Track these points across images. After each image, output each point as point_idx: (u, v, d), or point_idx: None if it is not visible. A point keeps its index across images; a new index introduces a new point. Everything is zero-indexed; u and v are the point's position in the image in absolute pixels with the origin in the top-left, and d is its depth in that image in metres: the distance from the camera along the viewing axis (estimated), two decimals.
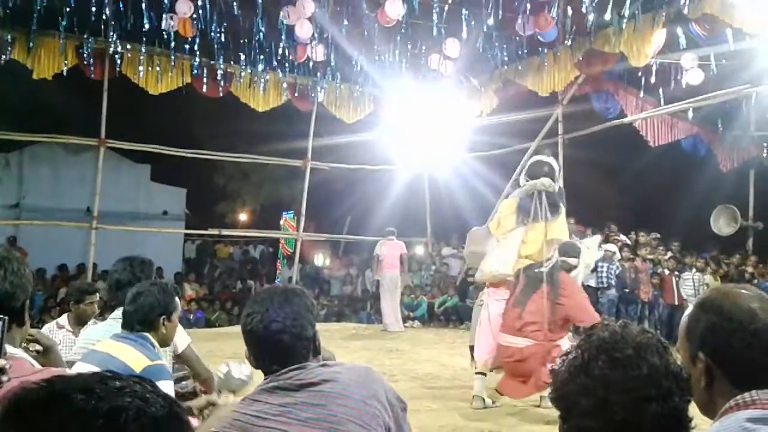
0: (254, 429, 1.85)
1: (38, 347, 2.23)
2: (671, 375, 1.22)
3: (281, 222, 19.20)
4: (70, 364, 3.04)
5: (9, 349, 1.72)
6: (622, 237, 12.74)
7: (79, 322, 4.84)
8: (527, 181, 6.43)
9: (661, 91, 10.91)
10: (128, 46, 11.04)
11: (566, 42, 10.28)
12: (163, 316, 3.03)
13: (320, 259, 14.82)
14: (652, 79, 10.36)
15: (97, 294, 5.05)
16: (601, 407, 1.19)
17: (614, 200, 15.05)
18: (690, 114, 11.52)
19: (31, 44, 10.35)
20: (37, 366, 1.83)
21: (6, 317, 1.61)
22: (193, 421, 2.93)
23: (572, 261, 6.22)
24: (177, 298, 3.19)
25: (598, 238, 10.66)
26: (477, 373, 6.39)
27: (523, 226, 6.32)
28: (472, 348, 6.91)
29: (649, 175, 13.69)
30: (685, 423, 1.22)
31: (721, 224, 12.95)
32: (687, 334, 1.56)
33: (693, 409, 1.30)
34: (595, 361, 1.23)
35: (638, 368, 1.20)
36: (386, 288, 11.95)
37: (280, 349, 1.95)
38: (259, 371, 2.03)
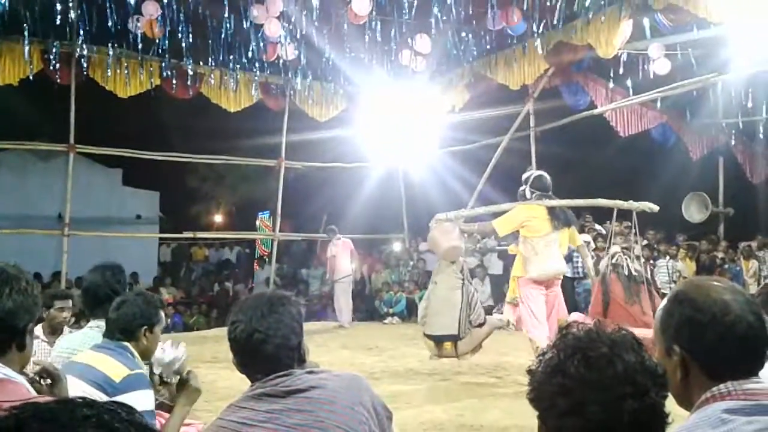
0: None
1: (48, 380, 2.18)
2: (647, 371, 1.23)
3: (257, 222, 19.10)
4: None
5: (5, 371, 1.69)
6: (597, 227, 12.87)
7: (53, 330, 4.77)
8: (533, 193, 7.28)
9: (629, 81, 11.03)
10: (95, 49, 10.88)
11: (535, 35, 10.35)
12: (145, 327, 3.02)
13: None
14: (620, 70, 10.47)
15: (70, 300, 4.96)
16: (579, 406, 1.20)
17: (587, 191, 15.15)
18: (658, 103, 11.67)
19: None
20: (33, 393, 1.79)
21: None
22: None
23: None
24: (162, 312, 3.18)
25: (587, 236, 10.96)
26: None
27: (557, 231, 7.17)
28: (429, 336, 7.10)
29: (620, 165, 13.82)
30: (662, 418, 1.24)
31: (693, 211, 13.15)
32: (661, 327, 1.59)
33: (670, 404, 1.31)
34: (571, 360, 1.24)
35: (613, 366, 1.22)
36: (344, 287, 12.07)
37: (263, 358, 1.95)
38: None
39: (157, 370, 3.14)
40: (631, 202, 7.47)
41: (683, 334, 1.53)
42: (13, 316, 1.73)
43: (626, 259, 7.11)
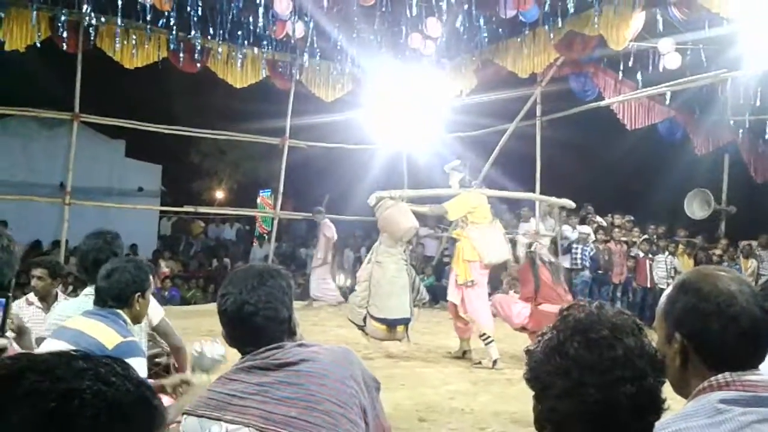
0: (230, 407, 1.83)
1: (14, 333, 2.19)
2: (646, 356, 1.22)
3: (258, 200, 19.08)
4: (40, 340, 3.01)
5: None
6: (599, 219, 12.87)
7: (40, 297, 4.79)
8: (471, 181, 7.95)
9: (639, 74, 10.96)
10: (103, 19, 10.80)
11: (546, 24, 10.26)
12: (138, 293, 3.00)
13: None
14: (630, 63, 10.40)
15: (40, 269, 4.92)
16: (576, 388, 1.19)
17: (591, 182, 15.14)
18: (667, 98, 11.60)
19: (2, 15, 10.09)
20: (18, 348, 1.80)
21: (10, 294, 1.57)
22: (166, 400, 2.92)
23: None
24: (151, 276, 3.17)
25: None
26: (489, 340, 7.23)
27: (495, 219, 7.75)
28: (382, 320, 7.33)
29: (625, 158, 13.79)
30: (659, 404, 1.23)
31: (695, 207, 13.14)
32: (664, 314, 1.57)
33: (666, 391, 1.30)
34: (571, 342, 1.22)
35: (613, 349, 1.20)
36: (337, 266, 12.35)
37: (253, 331, 1.94)
38: (234, 350, 2.02)
39: (192, 364, 3.13)
40: (553, 198, 8.65)
41: (686, 322, 1.52)
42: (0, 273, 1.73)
43: (543, 247, 8.05)
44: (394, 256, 7.48)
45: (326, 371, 1.88)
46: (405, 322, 7.44)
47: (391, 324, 7.38)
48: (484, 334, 7.29)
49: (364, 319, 7.42)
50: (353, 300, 7.73)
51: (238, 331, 1.97)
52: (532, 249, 7.59)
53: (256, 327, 1.93)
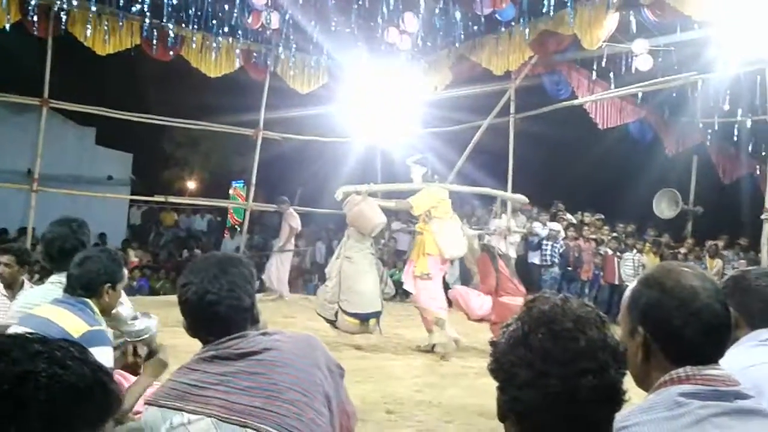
0: (191, 397, 1.81)
1: None
2: (608, 348, 1.24)
3: (230, 191, 18.94)
4: (4, 328, 2.97)
5: None
6: (569, 216, 13.01)
7: (6, 284, 4.71)
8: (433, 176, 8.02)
9: (611, 75, 11.08)
10: (74, 3, 10.61)
11: (522, 23, 10.33)
12: (108, 284, 2.98)
13: None
14: (604, 63, 10.51)
15: (7, 255, 4.85)
16: (539, 379, 1.21)
17: (563, 179, 15.30)
18: (639, 98, 11.76)
19: None
20: None
21: None
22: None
23: None
24: (124, 269, 3.15)
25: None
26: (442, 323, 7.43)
27: (454, 214, 7.86)
28: (355, 315, 7.42)
29: (598, 157, 13.94)
30: (620, 396, 1.25)
31: (663, 207, 13.35)
32: (628, 307, 1.60)
33: (628, 383, 1.32)
34: (535, 333, 1.24)
35: (576, 341, 1.22)
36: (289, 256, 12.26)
37: (215, 320, 1.91)
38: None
39: (126, 338, 3.12)
40: (507, 193, 9.08)
41: (649, 317, 1.55)
42: None
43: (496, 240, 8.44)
44: (363, 250, 7.55)
45: (289, 360, 1.87)
46: (377, 315, 7.51)
47: (363, 318, 7.44)
48: (439, 319, 7.48)
49: (336, 314, 7.44)
50: (323, 295, 7.74)
51: (200, 321, 1.95)
52: (485, 242, 7.92)
53: (219, 316, 1.91)
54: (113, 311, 3.09)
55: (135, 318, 3.17)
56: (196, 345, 1.99)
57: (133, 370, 3.21)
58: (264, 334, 1.95)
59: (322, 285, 8.22)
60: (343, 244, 7.64)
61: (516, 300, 7.26)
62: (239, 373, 1.83)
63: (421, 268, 7.53)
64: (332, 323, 7.53)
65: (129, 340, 3.14)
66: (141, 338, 3.12)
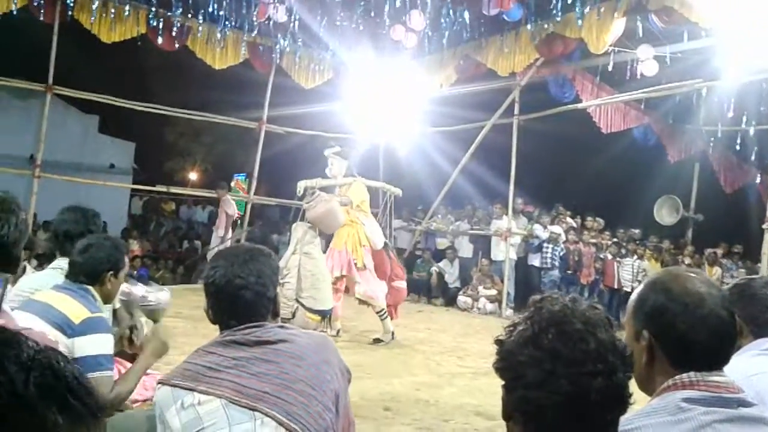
0: (204, 379, 1.84)
1: None
2: (617, 351, 1.24)
3: (232, 183, 18.93)
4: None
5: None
6: (569, 220, 12.99)
7: None
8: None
9: (616, 80, 11.07)
10: None
11: (529, 24, 10.32)
12: (111, 272, 2.98)
13: None
14: (610, 67, 10.50)
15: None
16: (548, 379, 1.20)
17: (564, 182, 15.29)
18: (643, 105, 11.76)
19: None
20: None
21: (9, 275, 1.58)
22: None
23: None
24: (126, 257, 3.16)
25: None
26: (385, 315, 7.89)
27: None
28: (318, 312, 7.45)
29: (600, 162, 13.94)
30: (626, 398, 1.25)
31: (664, 213, 13.34)
32: (634, 311, 1.60)
33: (631, 386, 1.32)
34: (545, 333, 1.24)
35: (587, 343, 1.22)
36: None
37: (240, 304, 1.96)
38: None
39: (133, 307, 3.13)
40: (387, 185, 9.34)
41: (654, 321, 1.55)
42: (16, 246, 1.78)
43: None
44: (317, 246, 7.67)
45: (303, 354, 1.90)
46: (330, 311, 7.60)
47: (324, 315, 7.50)
48: (383, 310, 7.84)
49: (294, 312, 7.39)
50: (282, 293, 7.66)
51: (225, 303, 1.98)
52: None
53: (244, 300, 1.95)
54: (126, 290, 3.10)
55: (145, 295, 3.18)
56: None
57: (130, 356, 3.22)
58: (281, 326, 2.00)
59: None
60: (300, 240, 7.59)
61: (402, 284, 8.30)
62: (253, 359, 1.87)
63: (362, 260, 7.79)
64: (287, 321, 7.50)
65: (142, 313, 3.16)
66: (154, 309, 3.14)
